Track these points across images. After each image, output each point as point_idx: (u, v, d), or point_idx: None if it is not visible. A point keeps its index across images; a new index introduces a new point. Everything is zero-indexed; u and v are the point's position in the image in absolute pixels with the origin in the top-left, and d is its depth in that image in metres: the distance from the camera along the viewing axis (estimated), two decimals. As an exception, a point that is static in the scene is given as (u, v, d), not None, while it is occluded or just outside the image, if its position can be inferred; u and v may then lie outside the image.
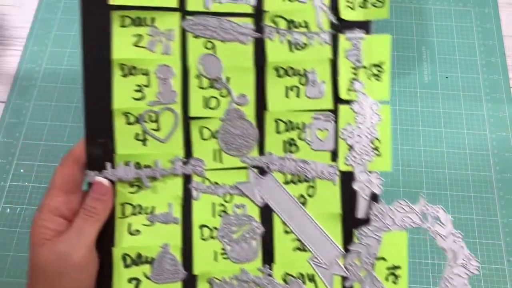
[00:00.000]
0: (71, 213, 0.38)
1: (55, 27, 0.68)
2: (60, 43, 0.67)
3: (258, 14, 0.41)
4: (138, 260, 0.39)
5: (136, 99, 0.40)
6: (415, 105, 0.63)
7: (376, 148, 0.40)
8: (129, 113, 0.39)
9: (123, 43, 0.40)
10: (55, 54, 0.66)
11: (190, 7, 0.40)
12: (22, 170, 0.60)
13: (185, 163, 0.40)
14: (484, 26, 0.68)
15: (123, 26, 0.40)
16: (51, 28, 0.68)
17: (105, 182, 0.39)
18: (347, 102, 0.40)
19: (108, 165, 0.39)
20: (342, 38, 0.40)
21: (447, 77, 0.64)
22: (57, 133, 0.61)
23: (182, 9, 0.40)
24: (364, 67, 0.40)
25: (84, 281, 0.37)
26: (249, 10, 0.41)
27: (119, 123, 0.39)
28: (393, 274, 0.39)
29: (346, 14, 0.40)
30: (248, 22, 0.41)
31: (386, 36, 0.40)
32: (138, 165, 0.39)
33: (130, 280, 0.39)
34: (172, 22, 0.40)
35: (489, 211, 0.56)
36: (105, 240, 0.39)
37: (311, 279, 0.39)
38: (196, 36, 0.40)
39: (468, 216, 0.56)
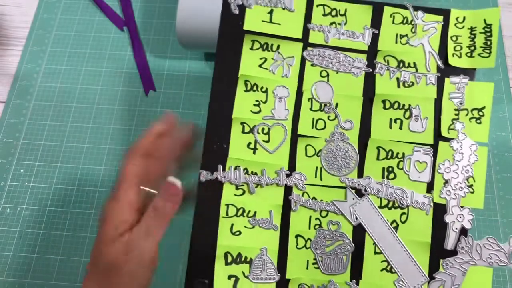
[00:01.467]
0: (143, 207, 0.39)
1: (55, 27, 0.68)
2: (60, 43, 0.67)
3: (371, 51, 0.45)
4: (239, 259, 0.43)
5: (253, 112, 0.44)
6: None
7: (470, 186, 0.42)
8: (245, 123, 0.44)
9: (250, 63, 0.45)
10: (55, 54, 0.66)
11: (312, 39, 0.45)
12: (22, 170, 0.59)
13: (288, 175, 0.44)
14: None
15: (252, 49, 0.45)
16: (51, 28, 0.68)
17: (178, 183, 0.39)
18: (447, 139, 0.43)
19: (220, 167, 0.43)
20: (447, 81, 0.44)
21: None
22: (57, 133, 0.61)
23: (305, 41, 0.45)
24: (466, 109, 0.43)
25: (145, 277, 0.38)
26: (364, 47, 0.45)
27: (235, 130, 0.44)
28: (476, 306, 0.41)
29: (453, 61, 0.44)
30: (362, 58, 0.45)
31: (490, 84, 0.44)
32: (246, 171, 0.44)
33: (229, 277, 0.42)
34: (294, 50, 0.45)
35: (489, 211, 0.56)
36: (208, 238, 0.43)
37: (395, 300, 0.42)
38: (314, 65, 0.45)
39: None
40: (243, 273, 0.42)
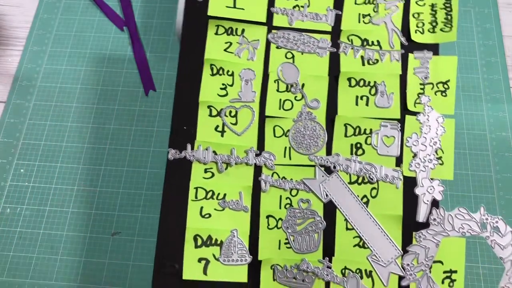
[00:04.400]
0: None
1: (55, 27, 0.67)
2: (60, 43, 0.66)
3: (335, 32, 0.46)
4: (209, 241, 0.42)
5: (220, 96, 0.45)
6: None
7: (439, 158, 0.42)
8: (212, 106, 0.44)
9: (215, 48, 0.45)
10: (55, 54, 0.66)
11: (276, 22, 0.46)
12: (22, 170, 0.59)
13: (257, 155, 0.43)
14: (484, 26, 0.67)
15: (217, 33, 0.46)
16: (51, 28, 0.67)
17: None
18: (414, 113, 0.43)
19: (189, 146, 0.43)
20: (411, 57, 0.44)
21: None
22: (57, 133, 0.61)
23: (269, 24, 0.46)
24: (431, 83, 0.44)
25: None
26: (328, 28, 0.46)
27: (202, 114, 0.44)
28: (449, 277, 0.40)
29: (416, 37, 0.45)
30: (326, 38, 0.45)
31: (453, 57, 0.44)
32: (215, 153, 0.43)
33: (200, 260, 0.42)
34: (259, 34, 0.46)
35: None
36: (177, 220, 0.42)
37: (369, 275, 0.41)
38: (279, 47, 0.46)
39: None
40: (214, 256, 0.42)
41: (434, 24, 0.45)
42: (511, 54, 0.65)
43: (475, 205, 0.55)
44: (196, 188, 0.43)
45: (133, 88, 0.63)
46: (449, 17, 0.44)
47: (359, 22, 0.46)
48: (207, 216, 0.43)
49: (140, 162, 0.57)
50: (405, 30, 0.45)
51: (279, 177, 0.43)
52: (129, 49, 0.66)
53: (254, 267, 0.42)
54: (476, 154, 0.58)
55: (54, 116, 0.62)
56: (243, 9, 0.46)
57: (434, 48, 0.44)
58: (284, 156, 0.44)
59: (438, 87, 0.44)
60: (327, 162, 0.43)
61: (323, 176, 0.43)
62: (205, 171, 0.43)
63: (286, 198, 0.43)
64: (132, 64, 0.65)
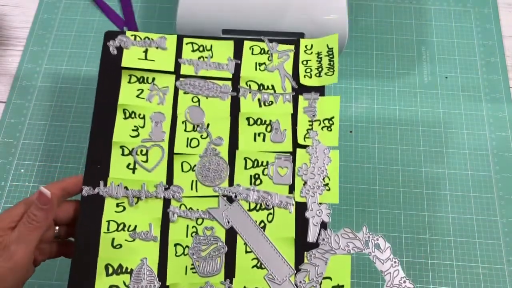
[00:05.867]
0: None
1: (55, 27, 0.68)
2: (60, 43, 0.67)
3: (235, 78, 0.52)
4: (119, 270, 0.45)
5: (132, 136, 0.49)
6: (415, 105, 0.63)
7: (326, 184, 0.48)
8: (125, 146, 0.49)
9: (128, 94, 0.50)
10: (55, 54, 0.66)
11: (183, 71, 0.52)
12: (22, 170, 0.59)
13: (166, 188, 0.48)
14: (483, 27, 0.68)
15: (129, 82, 0.51)
16: (51, 28, 0.68)
17: (48, 193, 0.41)
18: (304, 146, 0.49)
19: (101, 183, 0.47)
20: (301, 98, 0.51)
21: (446, 77, 0.65)
22: (57, 133, 0.61)
23: (177, 72, 0.52)
24: (318, 120, 0.50)
25: (14, 282, 0.40)
26: (229, 75, 0.52)
27: (115, 153, 0.49)
28: (337, 291, 0.44)
29: (305, 81, 0.51)
30: (227, 84, 0.52)
31: (336, 97, 0.50)
32: (126, 188, 0.48)
33: (110, 287, 0.45)
34: (168, 81, 0.51)
35: (488, 211, 0.57)
36: (90, 251, 0.46)
37: (266, 293, 0.45)
38: (186, 92, 0.51)
39: (467, 216, 0.56)
40: (124, 283, 0.45)
41: (320, 69, 0.51)
42: (510, 54, 0.66)
43: (474, 205, 0.57)
44: (108, 221, 0.47)
45: (133, 88, 0.64)
46: (331, 63, 0.51)
47: (256, 69, 0.52)
48: (118, 246, 0.46)
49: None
50: (295, 75, 0.52)
51: (186, 208, 0.48)
52: (128, 49, 0.67)
53: (162, 292, 0.45)
54: (476, 154, 0.60)
55: (54, 116, 0.62)
56: (153, 60, 0.52)
57: (320, 90, 0.51)
58: (191, 189, 0.48)
59: (324, 123, 0.50)
60: (229, 192, 0.48)
61: (225, 205, 0.48)
62: (117, 205, 0.47)
63: (193, 227, 0.47)
64: (132, 64, 0.65)
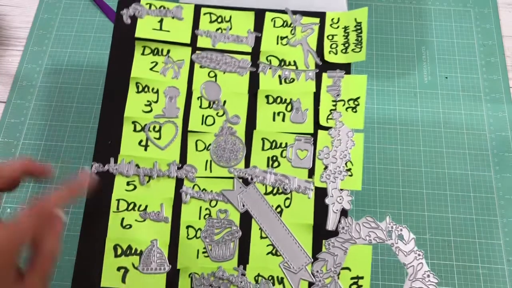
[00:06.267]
0: None
1: (55, 27, 0.68)
2: (60, 43, 0.67)
3: (255, 53, 0.49)
4: (128, 251, 0.44)
5: (144, 112, 0.47)
6: (415, 105, 0.63)
7: (349, 169, 0.45)
8: (137, 122, 0.46)
9: (141, 67, 0.48)
10: (55, 54, 0.66)
11: (200, 44, 0.49)
12: None
13: (179, 168, 0.46)
14: (483, 27, 0.68)
15: (143, 54, 0.48)
16: (51, 28, 0.68)
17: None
18: (326, 128, 0.46)
19: (112, 160, 0.45)
20: (325, 76, 0.48)
21: (446, 77, 0.64)
22: (57, 133, 0.61)
23: (193, 45, 0.49)
24: (343, 100, 0.47)
25: None
26: (248, 49, 0.49)
27: (126, 129, 0.46)
28: (356, 283, 0.42)
29: (330, 57, 0.48)
30: (247, 59, 0.48)
31: (363, 76, 0.47)
32: (137, 166, 0.45)
33: (118, 269, 0.43)
34: (184, 54, 0.49)
35: (488, 211, 0.57)
36: (98, 230, 0.44)
37: (280, 282, 0.43)
38: (202, 66, 0.48)
39: (467, 216, 0.56)
40: (133, 265, 0.43)
41: (346, 45, 0.48)
42: (510, 54, 0.65)
43: (474, 205, 0.57)
44: (118, 200, 0.45)
45: (133, 88, 0.63)
46: (359, 38, 0.48)
47: (277, 43, 0.49)
48: (127, 226, 0.44)
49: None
50: (320, 51, 0.48)
51: (199, 189, 0.45)
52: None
53: (173, 276, 0.43)
54: (475, 154, 0.59)
55: (54, 116, 0.62)
56: (168, 31, 0.49)
57: (346, 68, 0.48)
58: (205, 169, 0.46)
59: (349, 104, 0.47)
60: (245, 174, 0.45)
61: (240, 187, 0.45)
62: (128, 183, 0.45)
63: (206, 209, 0.45)
64: (131, 64, 0.65)
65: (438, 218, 0.55)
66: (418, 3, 0.70)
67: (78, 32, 0.67)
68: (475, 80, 0.64)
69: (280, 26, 0.49)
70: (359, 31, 0.48)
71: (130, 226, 0.44)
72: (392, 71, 0.65)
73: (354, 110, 0.46)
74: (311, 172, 0.45)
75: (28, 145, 0.61)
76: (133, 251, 0.44)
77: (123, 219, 0.44)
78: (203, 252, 0.44)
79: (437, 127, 0.61)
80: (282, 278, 0.43)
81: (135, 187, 0.45)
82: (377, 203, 0.55)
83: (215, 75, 0.48)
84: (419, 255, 0.42)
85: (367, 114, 0.61)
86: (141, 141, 0.46)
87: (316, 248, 0.43)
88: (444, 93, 0.64)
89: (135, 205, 0.45)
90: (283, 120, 0.47)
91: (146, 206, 0.45)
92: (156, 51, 0.48)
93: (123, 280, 0.43)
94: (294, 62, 0.48)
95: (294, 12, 0.49)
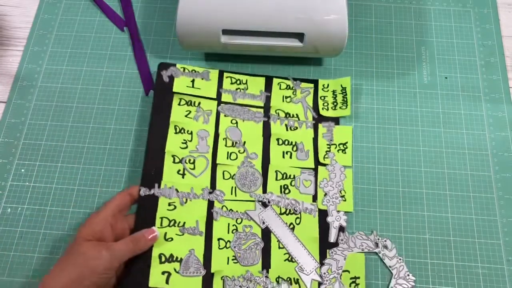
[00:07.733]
0: (109, 230, 0.50)
1: (55, 27, 0.68)
2: (60, 43, 0.67)
3: (266, 107, 0.63)
4: (171, 258, 0.52)
5: (181, 148, 0.58)
6: (414, 105, 0.63)
7: (343, 196, 0.58)
8: (175, 155, 0.57)
9: (178, 114, 0.60)
10: (55, 54, 0.66)
11: (223, 99, 0.62)
12: (22, 170, 0.59)
13: (210, 192, 0.56)
14: (483, 27, 0.67)
15: (179, 104, 0.61)
16: (51, 28, 0.68)
17: (157, 232, 0.52)
18: (324, 164, 0.60)
19: (156, 185, 0.55)
20: (320, 126, 0.62)
21: (446, 78, 0.64)
22: (57, 133, 0.61)
23: (219, 99, 0.62)
24: (335, 144, 0.61)
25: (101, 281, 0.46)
26: (261, 104, 0.63)
27: (168, 161, 0.57)
28: (354, 282, 0.54)
29: (323, 112, 0.63)
30: (260, 111, 0.62)
31: (349, 127, 0.62)
32: (177, 190, 0.56)
33: (163, 273, 0.52)
34: (211, 106, 0.61)
35: (488, 211, 0.56)
36: None
37: (296, 282, 0.53)
38: (226, 116, 0.61)
39: (467, 216, 0.56)
40: (175, 269, 0.52)
41: (335, 104, 0.63)
42: (510, 55, 0.65)
43: (474, 205, 0.56)
44: (162, 218, 0.54)
45: (133, 88, 0.64)
46: (345, 99, 0.63)
47: (283, 101, 0.63)
48: (169, 239, 0.53)
49: (140, 162, 0.60)
50: (315, 107, 0.63)
51: (227, 209, 0.56)
52: (129, 49, 0.66)
53: (208, 278, 0.52)
54: (475, 154, 0.59)
55: (55, 116, 0.62)
56: (199, 88, 0.62)
57: (336, 120, 0.63)
58: (231, 194, 0.57)
59: (339, 147, 0.61)
60: (263, 198, 0.57)
61: (260, 208, 0.57)
62: (169, 204, 0.55)
63: (233, 225, 0.56)
64: (132, 64, 0.65)
65: (437, 218, 0.56)
66: (418, 3, 0.70)
67: (78, 32, 0.68)
68: (475, 80, 0.64)
69: (285, 89, 0.64)
70: (345, 93, 0.64)
71: (172, 239, 0.53)
72: (392, 71, 0.65)
73: (344, 151, 0.61)
74: (314, 198, 0.58)
75: (28, 145, 0.60)
76: (174, 259, 0.53)
77: (165, 233, 0.54)
78: (233, 259, 0.54)
79: (436, 127, 0.61)
80: (297, 279, 0.53)
81: (175, 207, 0.55)
82: (377, 203, 0.57)
83: (236, 122, 0.61)
84: (400, 259, 0.55)
85: (368, 114, 0.62)
86: (179, 170, 0.57)
87: (322, 255, 0.55)
88: (444, 93, 0.63)
89: (175, 222, 0.54)
90: (290, 157, 0.60)
91: (184, 223, 0.55)
92: (190, 102, 0.61)
93: (167, 282, 0.51)
94: (297, 115, 0.63)
95: (295, 79, 0.65)
